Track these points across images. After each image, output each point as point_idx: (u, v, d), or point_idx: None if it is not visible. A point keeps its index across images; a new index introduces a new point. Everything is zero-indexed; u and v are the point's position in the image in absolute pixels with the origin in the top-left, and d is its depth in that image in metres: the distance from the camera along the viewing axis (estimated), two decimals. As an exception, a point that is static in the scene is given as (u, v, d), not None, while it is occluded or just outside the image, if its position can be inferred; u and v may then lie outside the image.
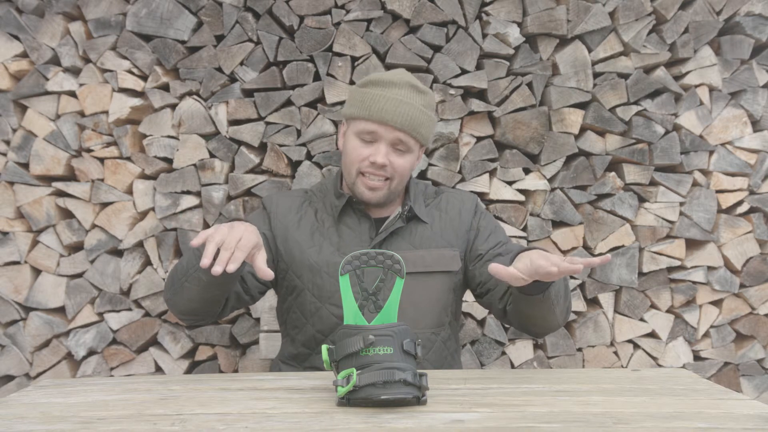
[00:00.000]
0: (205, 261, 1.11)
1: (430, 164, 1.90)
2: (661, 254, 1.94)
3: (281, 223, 1.51)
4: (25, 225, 1.91)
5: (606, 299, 1.94)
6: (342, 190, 1.52)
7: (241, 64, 1.87)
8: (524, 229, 1.92)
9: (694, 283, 1.96)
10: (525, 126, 1.90)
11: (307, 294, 1.47)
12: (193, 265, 1.28)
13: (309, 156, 1.91)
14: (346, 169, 1.49)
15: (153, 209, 1.88)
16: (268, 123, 1.88)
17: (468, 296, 1.61)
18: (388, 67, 1.87)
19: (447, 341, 1.53)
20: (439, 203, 1.56)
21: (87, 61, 1.89)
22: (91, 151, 1.88)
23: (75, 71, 1.89)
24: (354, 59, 1.88)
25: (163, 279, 1.88)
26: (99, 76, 1.88)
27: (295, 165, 1.91)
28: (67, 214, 1.91)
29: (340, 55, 1.88)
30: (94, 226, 1.89)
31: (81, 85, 1.88)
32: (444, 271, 1.50)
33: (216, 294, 1.33)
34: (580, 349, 1.96)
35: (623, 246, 1.93)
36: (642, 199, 1.95)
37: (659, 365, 1.97)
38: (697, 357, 2.00)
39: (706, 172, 1.96)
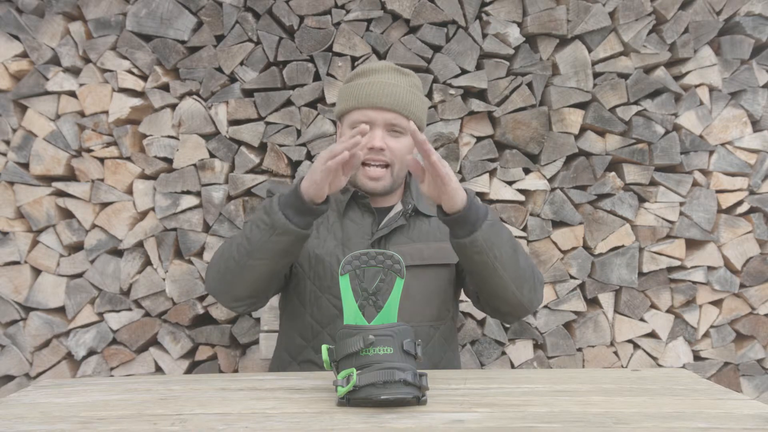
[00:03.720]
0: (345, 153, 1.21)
1: (430, 164, 1.90)
2: (661, 254, 1.94)
3: None
4: (25, 225, 1.91)
5: (606, 299, 1.94)
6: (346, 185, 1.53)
7: (241, 64, 1.87)
8: (524, 229, 1.92)
9: (694, 283, 1.96)
10: (525, 126, 1.90)
11: (308, 282, 1.47)
12: (267, 232, 1.29)
13: (309, 156, 1.91)
14: None
15: (153, 209, 1.88)
16: (268, 123, 1.88)
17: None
18: (388, 67, 1.87)
19: (447, 337, 1.53)
20: None
21: (87, 61, 1.89)
22: (91, 151, 1.88)
23: (75, 71, 1.89)
24: (354, 59, 1.88)
25: (163, 279, 1.88)
26: (99, 76, 1.88)
27: (295, 165, 1.91)
28: (67, 214, 1.91)
29: (340, 55, 1.88)
30: (94, 226, 1.89)
31: (81, 85, 1.88)
32: (442, 264, 1.51)
33: (285, 263, 1.35)
34: (580, 349, 1.96)
35: (623, 246, 1.93)
36: (642, 199, 1.95)
37: (659, 365, 1.97)
38: (697, 357, 2.00)
39: (706, 172, 1.96)
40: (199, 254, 1.90)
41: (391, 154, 1.45)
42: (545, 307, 1.94)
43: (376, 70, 1.47)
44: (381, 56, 1.89)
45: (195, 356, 1.93)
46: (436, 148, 1.90)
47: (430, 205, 1.55)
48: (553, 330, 1.93)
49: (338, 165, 1.22)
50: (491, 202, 1.92)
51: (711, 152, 1.95)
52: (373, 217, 1.50)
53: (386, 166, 1.46)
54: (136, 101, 1.88)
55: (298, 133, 1.90)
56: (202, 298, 1.90)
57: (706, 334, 1.99)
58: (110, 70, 1.87)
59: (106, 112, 1.87)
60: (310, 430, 0.92)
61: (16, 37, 1.89)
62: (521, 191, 1.92)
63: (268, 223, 1.29)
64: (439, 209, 1.29)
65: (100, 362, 1.90)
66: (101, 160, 1.89)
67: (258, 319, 1.90)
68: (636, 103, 1.92)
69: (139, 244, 1.89)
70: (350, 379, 1.00)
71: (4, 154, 1.90)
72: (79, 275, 1.90)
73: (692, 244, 1.97)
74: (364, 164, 1.45)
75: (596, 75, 1.92)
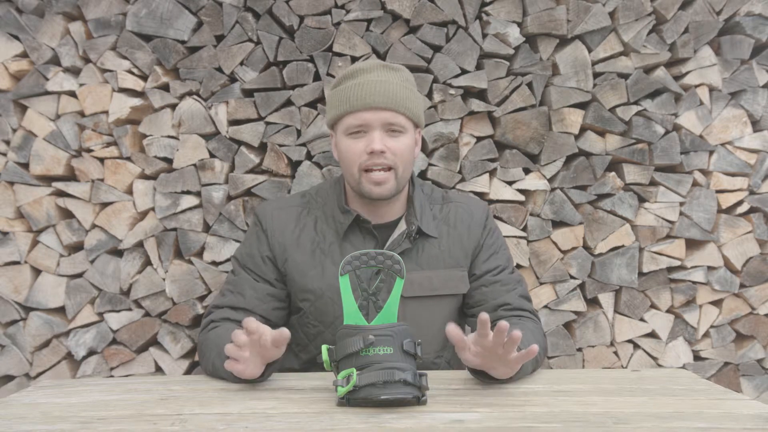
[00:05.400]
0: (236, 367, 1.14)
1: (430, 164, 1.90)
2: (661, 254, 1.94)
3: (279, 243, 1.46)
4: (25, 225, 1.91)
5: (606, 299, 1.94)
6: (347, 205, 1.46)
7: (241, 64, 1.87)
8: (524, 229, 1.92)
9: (694, 283, 1.96)
10: (525, 126, 1.90)
11: (310, 317, 1.45)
12: (221, 371, 1.24)
13: (309, 156, 1.91)
14: (348, 173, 1.42)
15: (153, 209, 1.88)
16: (268, 123, 1.88)
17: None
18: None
19: (451, 360, 1.51)
20: (447, 217, 1.50)
21: (87, 61, 1.88)
22: (91, 151, 1.88)
23: (75, 71, 1.89)
24: (354, 59, 1.88)
25: (163, 279, 1.88)
26: (99, 76, 1.88)
27: (295, 165, 1.91)
28: (67, 214, 1.90)
29: (340, 55, 1.88)
30: (94, 226, 1.89)
31: (81, 85, 1.88)
32: (452, 294, 1.46)
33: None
34: (580, 349, 1.96)
35: (623, 246, 1.93)
36: (642, 199, 1.95)
37: (659, 365, 1.97)
38: (697, 357, 2.00)
39: (706, 172, 1.96)
40: (199, 254, 1.90)
41: (393, 156, 1.37)
42: (545, 307, 1.94)
43: (364, 69, 1.39)
44: (381, 56, 1.89)
45: (195, 356, 1.93)
46: (436, 149, 1.90)
47: (435, 226, 1.48)
48: (553, 330, 1.94)
49: (239, 364, 1.14)
50: (491, 202, 1.92)
51: (711, 152, 1.95)
52: (376, 241, 1.43)
53: (389, 169, 1.38)
54: (136, 101, 1.88)
55: (298, 133, 1.90)
56: (202, 298, 1.90)
57: (706, 334, 1.99)
58: (110, 70, 1.87)
59: (106, 112, 1.87)
60: (310, 430, 0.92)
61: (16, 37, 1.89)
62: (521, 191, 1.92)
63: (219, 367, 1.24)
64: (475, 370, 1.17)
65: (100, 362, 1.90)
66: (101, 160, 1.89)
67: (258, 319, 1.90)
68: (636, 103, 1.92)
69: (139, 244, 1.89)
70: (350, 379, 1.01)
71: (4, 154, 1.90)
72: (79, 275, 1.90)
73: (692, 244, 1.97)
74: (366, 170, 1.38)
75: (596, 75, 1.92)
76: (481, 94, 1.93)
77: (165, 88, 1.89)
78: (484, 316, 1.03)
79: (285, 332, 1.08)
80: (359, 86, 1.36)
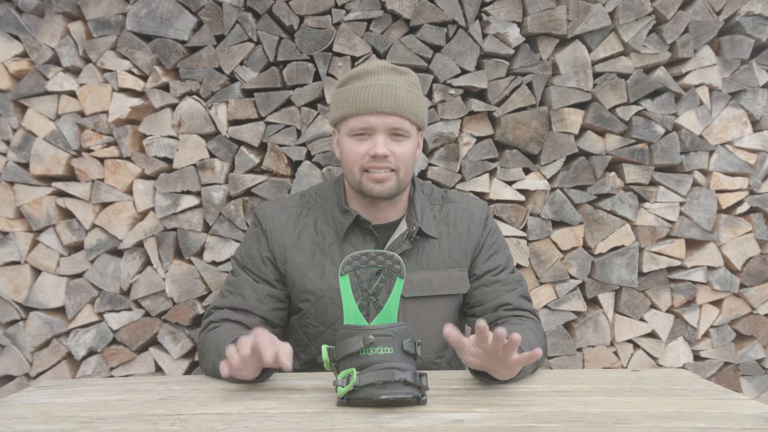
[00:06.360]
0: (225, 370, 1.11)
1: (430, 164, 1.90)
2: (661, 254, 1.94)
3: (279, 243, 1.45)
4: (25, 225, 1.91)
5: (606, 299, 1.94)
6: (347, 206, 1.46)
7: (241, 64, 1.87)
8: (524, 229, 1.92)
9: (694, 283, 1.96)
10: (525, 126, 1.90)
11: (311, 318, 1.44)
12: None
13: (309, 156, 1.91)
14: (348, 173, 1.42)
15: (153, 209, 1.88)
16: (268, 123, 1.88)
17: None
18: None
19: (452, 360, 1.51)
20: (446, 217, 1.50)
21: (87, 61, 1.89)
22: (91, 151, 1.88)
23: (75, 71, 1.89)
24: (354, 59, 1.88)
25: (163, 279, 1.88)
26: (99, 76, 1.88)
27: (295, 165, 1.91)
28: (67, 214, 1.91)
29: (340, 55, 1.88)
30: (94, 226, 1.89)
31: (81, 85, 1.88)
32: (452, 294, 1.46)
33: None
34: (580, 349, 1.96)
35: (623, 246, 1.93)
36: (642, 199, 1.95)
37: (659, 365, 1.97)
38: (697, 357, 2.00)
39: (706, 172, 1.96)
40: (199, 254, 1.90)
41: (396, 160, 1.37)
42: (545, 307, 1.94)
43: (372, 71, 1.38)
44: (381, 56, 1.89)
45: (195, 356, 1.93)
46: (436, 149, 1.90)
47: (435, 226, 1.48)
48: (553, 330, 1.94)
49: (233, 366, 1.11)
50: (491, 202, 1.92)
51: (711, 152, 1.95)
52: (376, 242, 1.43)
53: (391, 170, 1.38)
54: (136, 101, 1.88)
55: (298, 133, 1.90)
56: (202, 298, 1.90)
57: (706, 334, 1.99)
58: (110, 70, 1.87)
59: (106, 112, 1.87)
60: (310, 430, 0.92)
61: (16, 37, 1.89)
62: (521, 191, 1.92)
63: (219, 367, 1.20)
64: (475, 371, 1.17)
65: (100, 362, 1.90)
66: (101, 160, 1.89)
67: (258, 319, 1.90)
68: (636, 103, 1.92)
69: (139, 244, 1.89)
70: (350, 379, 1.01)
71: (4, 154, 1.90)
72: (79, 275, 1.90)
73: (692, 244, 1.97)
74: (367, 170, 1.38)
75: (596, 75, 1.92)
76: (481, 94, 1.93)
77: (165, 88, 1.89)
78: (482, 323, 1.02)
79: (285, 364, 1.08)
80: (366, 89, 1.36)
